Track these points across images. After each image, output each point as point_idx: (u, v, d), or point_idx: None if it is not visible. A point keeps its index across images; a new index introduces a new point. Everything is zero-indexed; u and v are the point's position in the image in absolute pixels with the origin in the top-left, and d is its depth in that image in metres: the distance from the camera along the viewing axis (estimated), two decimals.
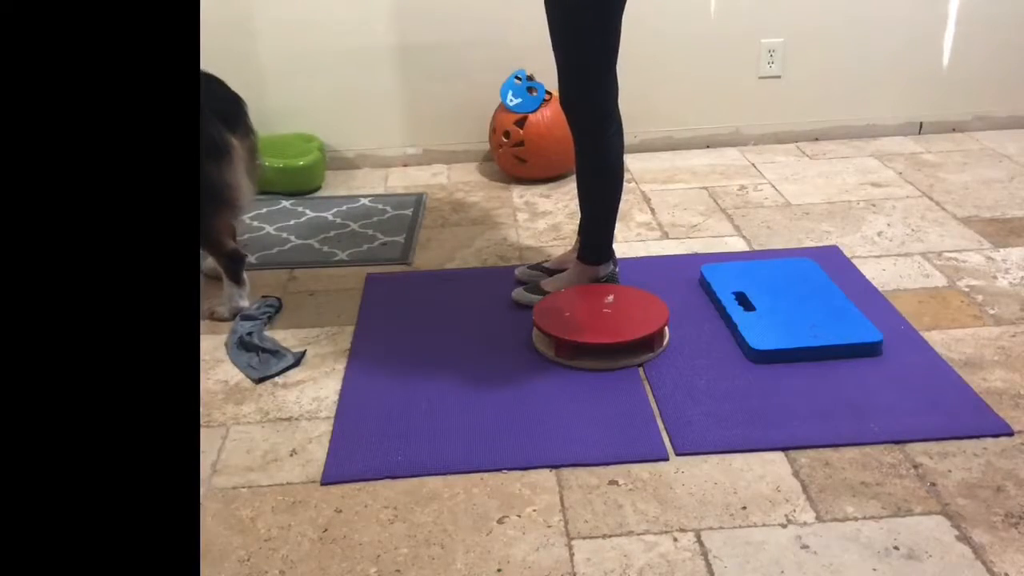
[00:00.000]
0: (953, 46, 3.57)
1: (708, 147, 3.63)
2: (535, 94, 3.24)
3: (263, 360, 2.21)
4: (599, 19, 2.09)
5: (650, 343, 2.16)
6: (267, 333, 2.33)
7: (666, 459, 1.82)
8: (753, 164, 3.43)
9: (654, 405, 1.98)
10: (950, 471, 1.75)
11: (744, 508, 1.68)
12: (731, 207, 3.04)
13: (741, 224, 2.91)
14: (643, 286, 2.37)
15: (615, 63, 2.16)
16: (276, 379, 2.15)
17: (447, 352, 2.23)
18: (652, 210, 3.05)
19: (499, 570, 1.56)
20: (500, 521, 1.67)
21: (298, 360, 2.22)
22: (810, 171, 3.35)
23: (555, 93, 3.20)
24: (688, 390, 2.03)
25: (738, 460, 1.81)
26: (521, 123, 3.23)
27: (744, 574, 1.53)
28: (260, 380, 2.15)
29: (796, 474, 1.76)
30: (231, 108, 2.42)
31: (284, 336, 2.34)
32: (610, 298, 2.33)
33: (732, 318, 2.24)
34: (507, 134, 3.25)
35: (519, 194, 3.24)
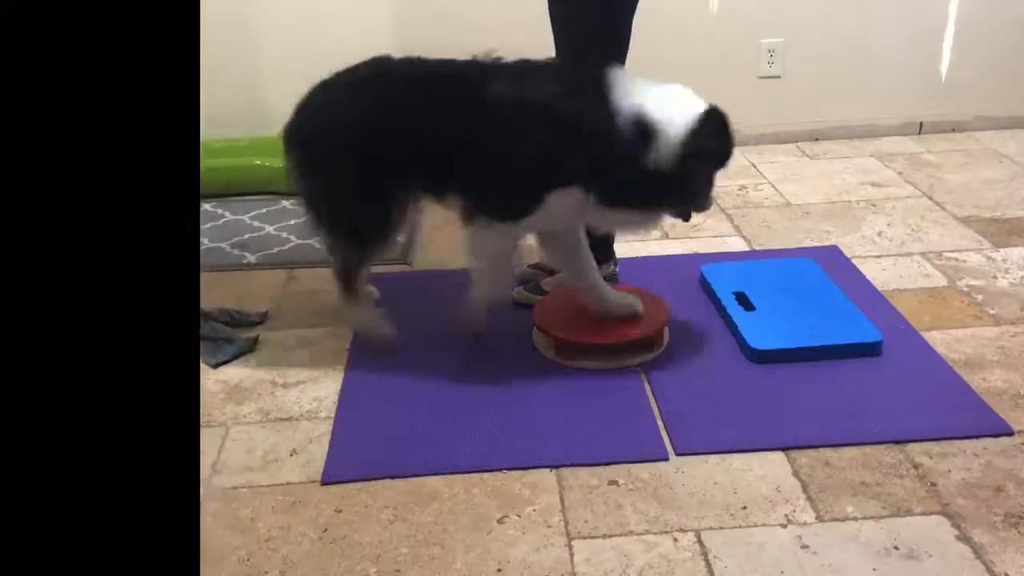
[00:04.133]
0: (953, 46, 3.57)
1: None
2: None
3: (218, 347, 2.25)
4: (623, 18, 2.10)
5: (650, 343, 2.16)
6: (220, 324, 2.36)
7: (666, 459, 1.82)
8: (753, 164, 3.43)
9: (654, 405, 1.98)
10: (950, 471, 1.75)
11: (744, 508, 1.68)
12: (731, 207, 3.04)
13: (741, 224, 2.91)
14: (643, 286, 2.37)
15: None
16: (276, 379, 2.15)
17: (447, 352, 2.22)
18: None
19: (499, 570, 1.56)
20: (500, 521, 1.67)
21: (252, 346, 2.28)
22: (810, 171, 3.35)
23: None
24: (688, 390, 2.03)
25: (738, 460, 1.80)
26: None
27: (744, 574, 1.53)
28: (217, 366, 2.19)
29: (796, 474, 1.76)
30: None
31: (285, 336, 2.34)
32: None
33: (732, 318, 2.24)
34: None
35: None
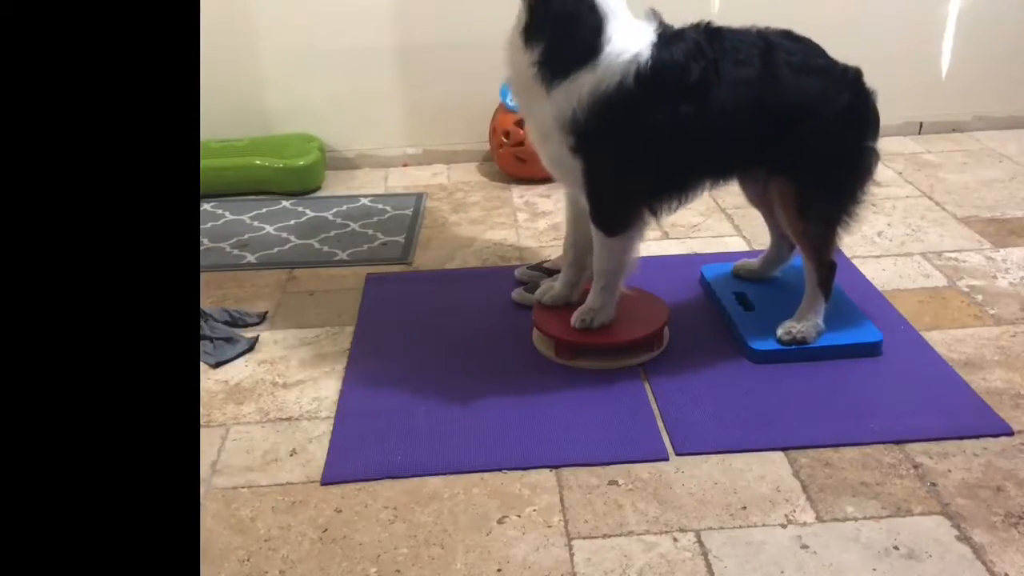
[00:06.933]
0: (953, 46, 3.57)
1: None
2: None
3: (217, 347, 2.25)
4: None
5: (650, 343, 2.16)
6: (220, 324, 2.36)
7: (666, 459, 1.82)
8: None
9: (654, 405, 1.98)
10: (950, 471, 1.75)
11: (744, 508, 1.68)
12: (731, 207, 3.03)
13: (741, 224, 2.90)
14: (643, 286, 2.37)
15: None
16: (276, 379, 2.15)
17: (447, 352, 2.23)
18: None
19: (499, 570, 1.56)
20: (500, 521, 1.67)
21: (252, 345, 2.27)
22: None
23: None
24: (688, 390, 2.03)
25: (738, 460, 1.80)
26: (521, 123, 3.23)
27: (744, 574, 1.53)
28: (217, 366, 2.19)
29: (796, 474, 1.76)
30: None
31: (285, 336, 2.34)
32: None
33: (732, 318, 2.24)
34: (507, 134, 3.25)
35: (519, 194, 3.24)
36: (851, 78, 2.05)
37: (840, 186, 2.09)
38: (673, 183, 2.08)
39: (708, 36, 1.99)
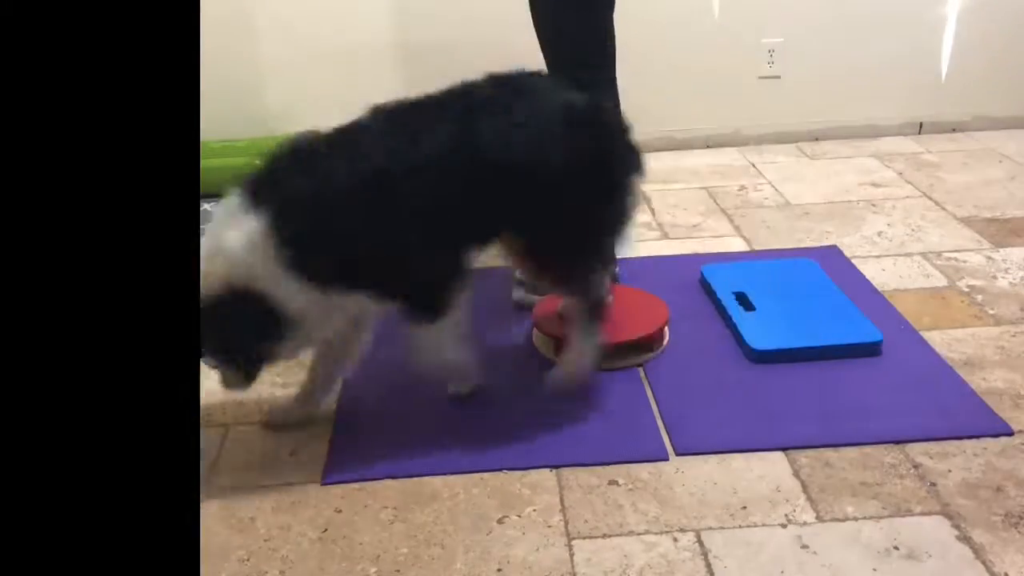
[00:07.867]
0: (953, 46, 3.57)
1: (708, 147, 3.63)
2: None
3: None
4: (600, 16, 2.12)
5: (650, 343, 2.16)
6: None
7: (666, 459, 1.82)
8: (753, 164, 3.43)
9: (654, 405, 1.98)
10: (950, 471, 1.75)
11: (744, 508, 1.68)
12: (731, 207, 3.04)
13: (741, 224, 2.91)
14: (643, 286, 2.37)
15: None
16: (276, 379, 2.15)
17: None
18: (652, 210, 3.05)
19: (499, 570, 1.56)
20: (500, 521, 1.67)
21: None
22: (810, 171, 3.35)
23: None
24: (688, 390, 2.03)
25: (738, 460, 1.80)
26: None
27: (744, 574, 1.53)
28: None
29: (796, 474, 1.76)
30: None
31: None
32: (610, 298, 2.33)
33: (732, 318, 2.24)
34: None
35: None
36: (578, 118, 1.81)
37: (573, 240, 1.87)
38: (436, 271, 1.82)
39: (370, 146, 1.78)
